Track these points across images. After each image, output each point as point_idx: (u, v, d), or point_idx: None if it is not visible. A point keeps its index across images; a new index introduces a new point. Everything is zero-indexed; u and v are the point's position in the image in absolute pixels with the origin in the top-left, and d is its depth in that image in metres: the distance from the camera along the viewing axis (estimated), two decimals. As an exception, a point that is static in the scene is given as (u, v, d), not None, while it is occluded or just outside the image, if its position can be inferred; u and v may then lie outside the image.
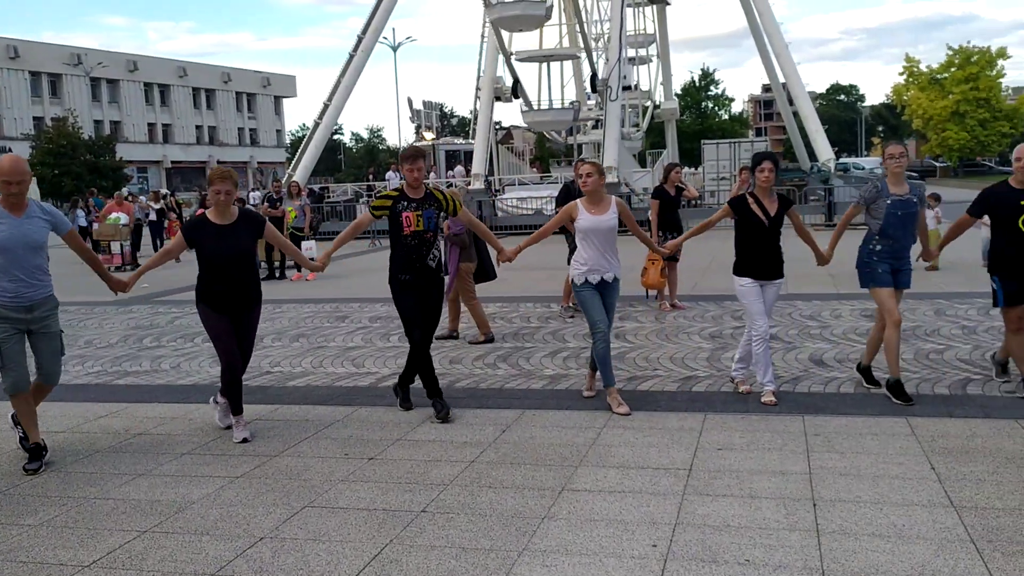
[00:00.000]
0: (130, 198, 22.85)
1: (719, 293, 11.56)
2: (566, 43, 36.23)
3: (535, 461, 5.35)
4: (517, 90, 29.19)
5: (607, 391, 6.42)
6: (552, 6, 29.22)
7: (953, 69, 61.50)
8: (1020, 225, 6.03)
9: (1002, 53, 60.96)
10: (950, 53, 62.46)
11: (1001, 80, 62.09)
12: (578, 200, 6.49)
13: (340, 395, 7.14)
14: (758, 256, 6.45)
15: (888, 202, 6.28)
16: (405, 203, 6.21)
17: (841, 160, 58.69)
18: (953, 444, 5.30)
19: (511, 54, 31.01)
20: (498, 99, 29.55)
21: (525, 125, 38.47)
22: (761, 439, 5.58)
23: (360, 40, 30.31)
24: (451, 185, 32.95)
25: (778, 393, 6.43)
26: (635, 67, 43.55)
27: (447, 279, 9.19)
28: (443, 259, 6.74)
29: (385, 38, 54.23)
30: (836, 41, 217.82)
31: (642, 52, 44.82)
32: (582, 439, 5.74)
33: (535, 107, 32.03)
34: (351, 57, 30.35)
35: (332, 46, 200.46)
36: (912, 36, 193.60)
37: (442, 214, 6.38)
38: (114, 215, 20.31)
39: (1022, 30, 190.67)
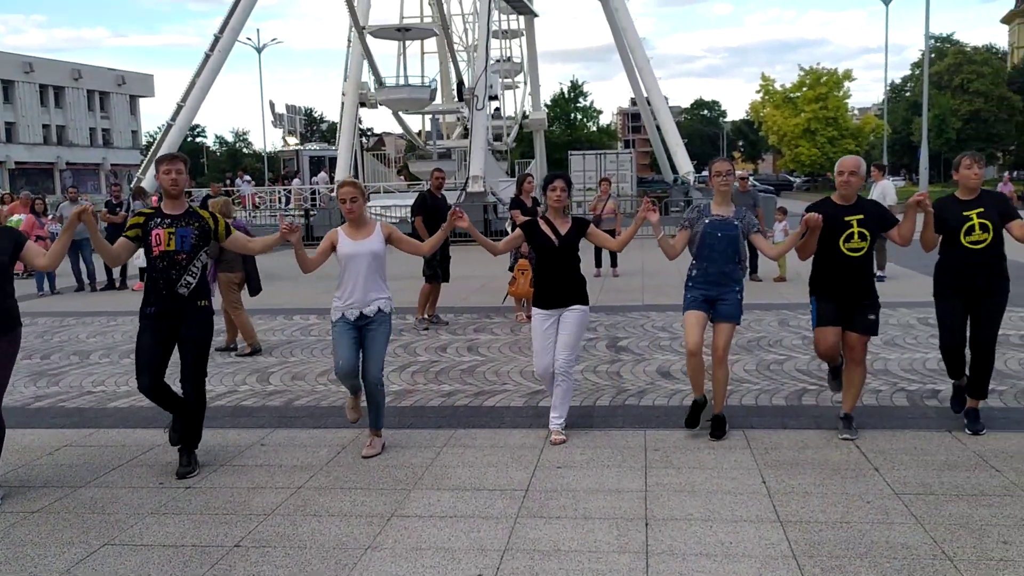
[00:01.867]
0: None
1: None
2: (436, 60, 36.14)
3: (367, 485, 5.08)
4: (384, 97, 28.84)
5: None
6: (436, 89, 29.39)
7: (805, 89, 64.85)
8: (841, 244, 5.64)
9: (848, 75, 64.73)
10: (802, 74, 65.87)
11: (847, 100, 65.89)
12: (339, 227, 5.77)
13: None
14: (549, 281, 5.90)
15: (706, 221, 5.80)
16: (159, 219, 5.27)
17: (702, 173, 61.01)
18: (785, 456, 5.37)
19: (400, 107, 30.83)
20: (363, 104, 29.05)
21: (397, 134, 38.02)
22: (601, 455, 5.50)
23: (217, 39, 29.15)
24: (315, 193, 32.18)
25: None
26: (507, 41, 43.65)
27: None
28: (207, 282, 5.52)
29: (249, 39, 52.65)
30: (701, 58, 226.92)
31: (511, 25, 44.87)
32: (420, 460, 5.51)
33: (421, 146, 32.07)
34: (207, 57, 29.14)
35: (194, 45, 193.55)
36: (770, 56, 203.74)
37: (209, 240, 5.42)
38: (16, 217, 18.53)
39: (868, 55, 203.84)
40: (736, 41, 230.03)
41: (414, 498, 4.84)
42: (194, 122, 33.83)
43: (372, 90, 29.20)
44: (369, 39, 27.19)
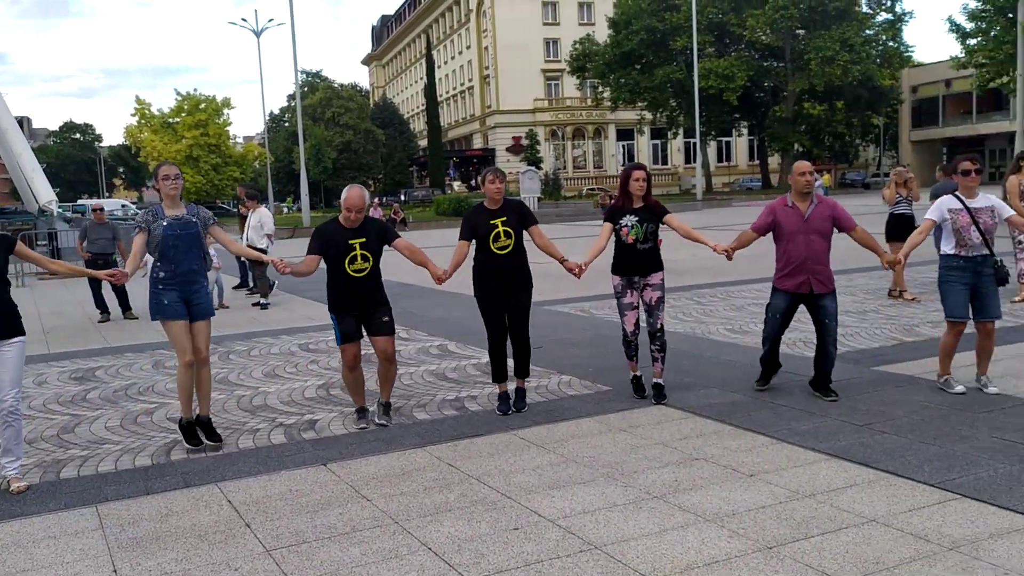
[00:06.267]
0: None
1: None
2: None
3: None
4: None
5: None
6: None
7: (184, 114, 63.87)
8: (346, 265, 6.04)
9: (227, 103, 65.49)
10: (179, 99, 64.74)
11: (229, 128, 66.68)
12: None
13: None
14: None
15: (164, 223, 5.80)
16: None
17: (80, 202, 55.56)
18: (145, 531, 4.56)
19: None
20: None
21: None
22: None
23: None
24: None
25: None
26: None
27: None
28: None
29: None
30: (72, 77, 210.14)
31: None
32: None
33: None
34: None
35: None
36: (152, 79, 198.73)
37: None
38: None
39: (249, 84, 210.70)
40: (113, 62, 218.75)
41: None
42: None
43: None
44: None
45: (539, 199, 42.86)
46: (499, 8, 70.52)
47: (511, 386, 6.71)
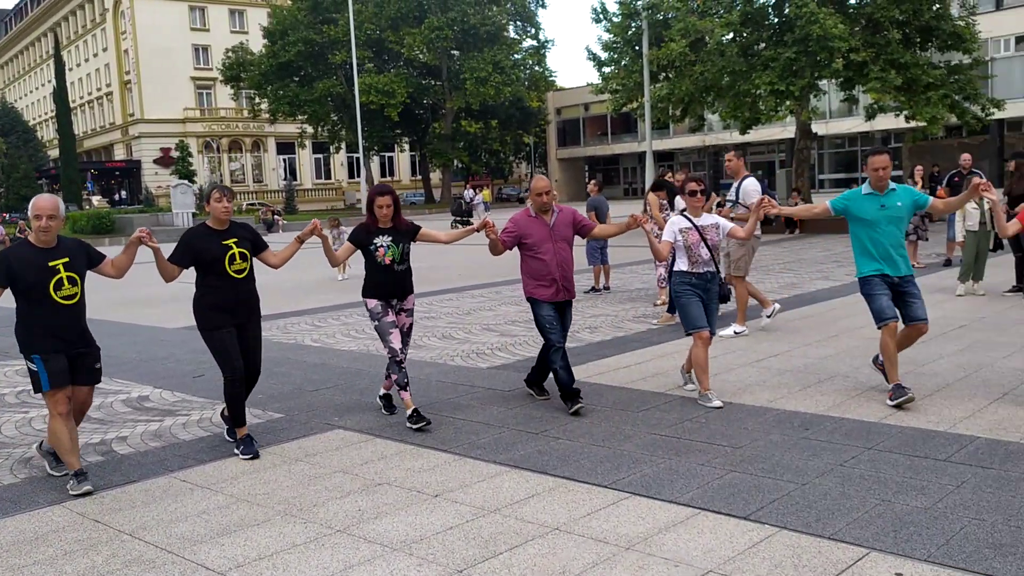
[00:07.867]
0: None
1: None
2: None
3: None
4: None
5: None
6: None
7: None
8: (52, 292, 5.15)
9: None
10: None
11: None
12: None
13: None
14: None
15: None
16: None
17: None
18: None
19: None
20: None
21: None
22: None
23: None
24: None
25: None
26: None
27: None
28: None
29: None
30: None
31: None
32: None
33: None
34: None
35: None
36: None
37: None
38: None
39: None
40: None
41: None
42: None
43: None
44: None
45: (194, 215, 40.24)
46: (140, 9, 65.33)
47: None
